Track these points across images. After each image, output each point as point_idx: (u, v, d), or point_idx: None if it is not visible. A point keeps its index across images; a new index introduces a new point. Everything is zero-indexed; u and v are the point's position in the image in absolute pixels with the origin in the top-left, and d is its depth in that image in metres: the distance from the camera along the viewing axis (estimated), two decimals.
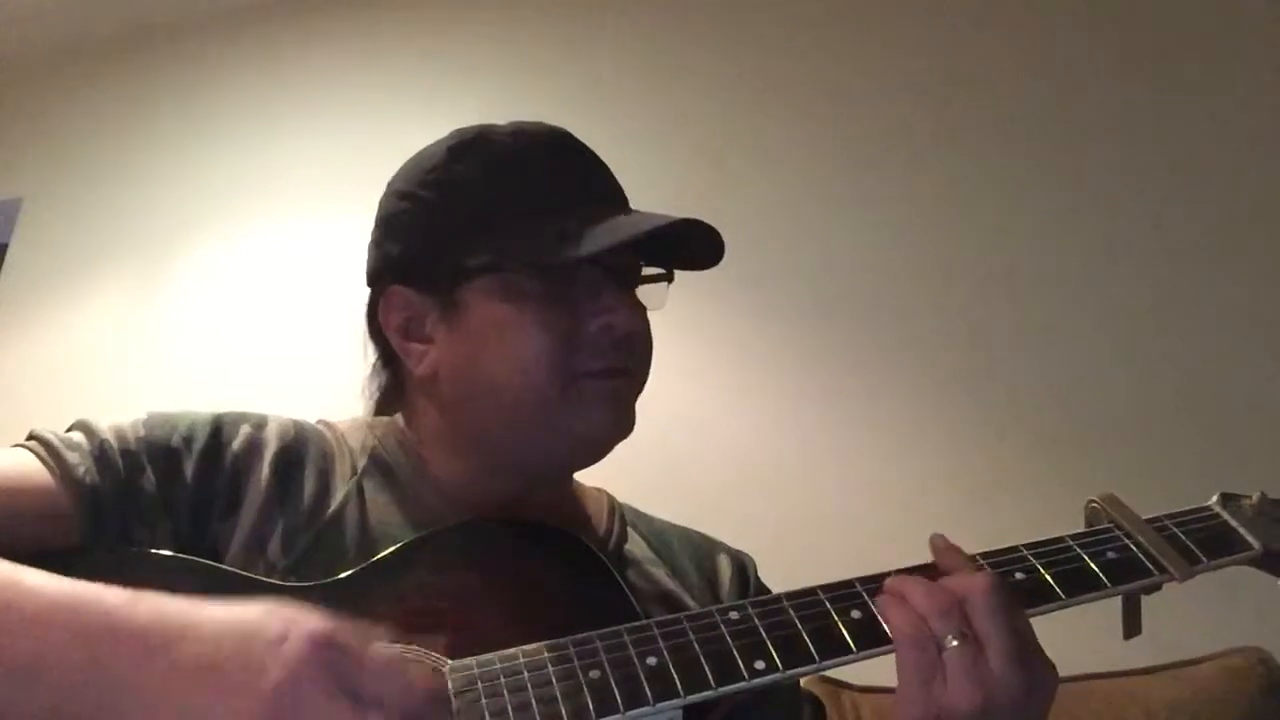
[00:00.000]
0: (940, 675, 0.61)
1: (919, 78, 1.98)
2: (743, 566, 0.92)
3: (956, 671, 0.60)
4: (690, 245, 0.81)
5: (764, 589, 0.89)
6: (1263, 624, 1.23)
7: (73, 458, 0.70)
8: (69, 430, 0.74)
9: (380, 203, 0.86)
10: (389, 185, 0.86)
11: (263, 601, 0.54)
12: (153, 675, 0.50)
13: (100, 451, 0.72)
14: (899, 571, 0.68)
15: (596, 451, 0.81)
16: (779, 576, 0.94)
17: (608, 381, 0.78)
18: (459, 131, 0.84)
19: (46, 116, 2.67)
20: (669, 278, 0.86)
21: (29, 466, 0.69)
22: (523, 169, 0.81)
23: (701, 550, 0.92)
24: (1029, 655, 0.62)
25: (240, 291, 2.29)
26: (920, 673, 0.61)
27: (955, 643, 0.61)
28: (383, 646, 0.52)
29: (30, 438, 0.73)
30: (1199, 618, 1.21)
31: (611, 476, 0.91)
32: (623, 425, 0.80)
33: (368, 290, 0.87)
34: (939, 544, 0.70)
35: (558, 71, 2.24)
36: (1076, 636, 0.85)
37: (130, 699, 0.49)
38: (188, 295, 2.32)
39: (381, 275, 0.84)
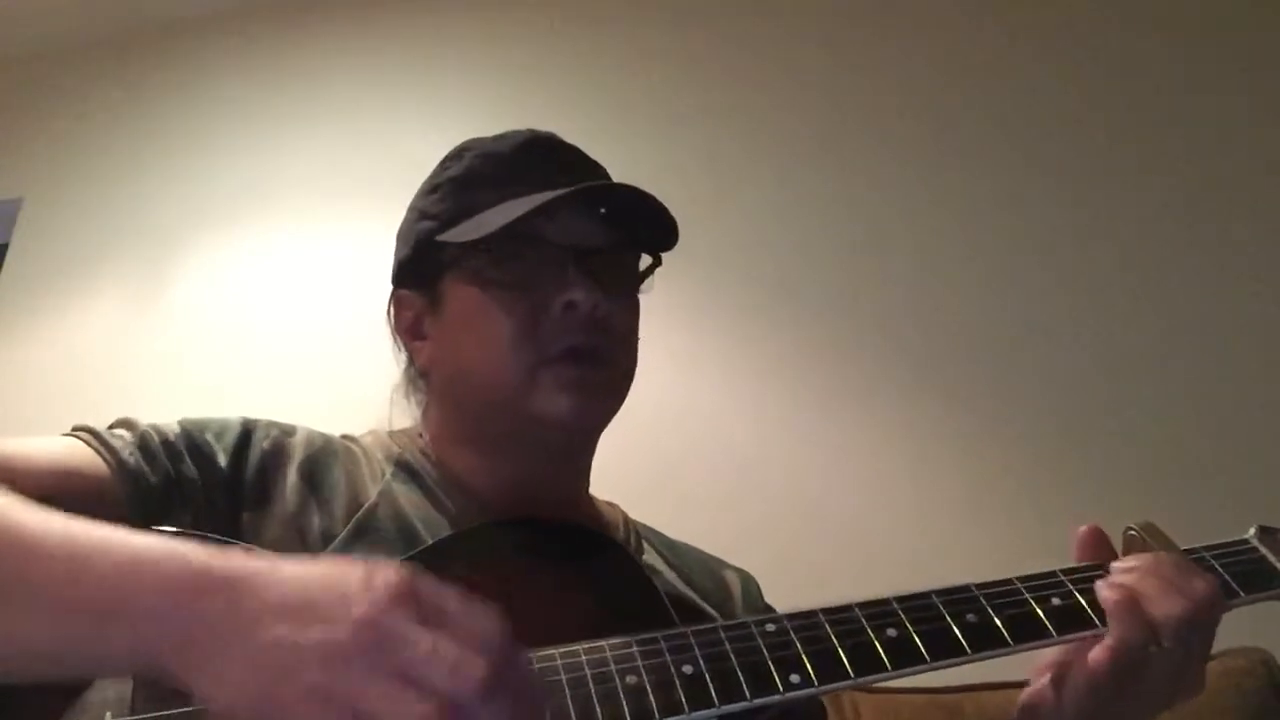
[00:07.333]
0: (1141, 674, 0.63)
1: (918, 76, 1.99)
2: (749, 582, 0.94)
3: (1160, 676, 0.63)
4: (646, 222, 0.83)
5: (770, 608, 0.91)
6: (1263, 624, 1.24)
7: (120, 445, 0.73)
8: (111, 426, 0.78)
9: None
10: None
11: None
12: (241, 616, 0.49)
13: (142, 441, 0.75)
14: (1083, 568, 0.71)
15: (565, 434, 0.82)
16: (778, 581, 0.95)
17: (574, 368, 0.79)
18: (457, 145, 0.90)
19: (46, 116, 2.65)
20: (653, 261, 0.88)
21: (80, 452, 0.72)
22: (496, 166, 0.85)
23: (709, 565, 0.94)
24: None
25: (240, 291, 2.28)
26: (1124, 675, 0.63)
27: (1169, 645, 0.63)
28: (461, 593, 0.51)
29: (75, 429, 0.75)
30: None
31: (606, 476, 0.93)
32: (587, 412, 0.81)
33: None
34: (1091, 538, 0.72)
35: (557, 77, 2.24)
36: None
37: (217, 639, 0.49)
38: (188, 295, 2.32)
39: (393, 281, 0.90)
